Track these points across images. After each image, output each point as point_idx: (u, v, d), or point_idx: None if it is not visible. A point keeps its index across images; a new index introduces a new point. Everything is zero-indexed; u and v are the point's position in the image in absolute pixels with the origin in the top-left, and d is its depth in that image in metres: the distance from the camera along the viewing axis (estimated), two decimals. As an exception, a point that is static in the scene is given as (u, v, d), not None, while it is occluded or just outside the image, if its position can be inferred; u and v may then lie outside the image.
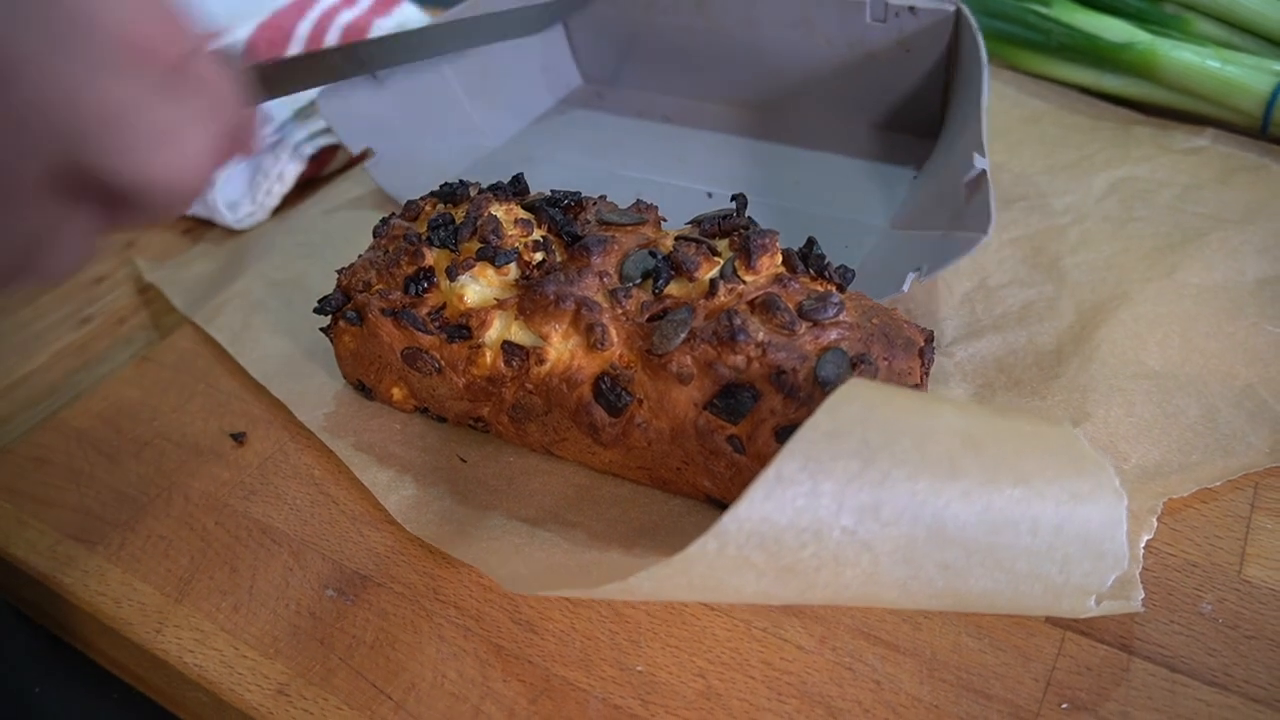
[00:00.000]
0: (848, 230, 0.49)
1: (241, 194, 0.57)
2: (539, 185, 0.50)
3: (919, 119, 0.54)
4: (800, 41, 0.54)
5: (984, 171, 0.40)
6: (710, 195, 0.53)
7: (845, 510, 0.25)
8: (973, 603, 0.28)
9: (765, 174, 0.54)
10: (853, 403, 0.26)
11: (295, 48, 0.68)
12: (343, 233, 0.54)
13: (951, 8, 0.48)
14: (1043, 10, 0.57)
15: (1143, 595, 0.31)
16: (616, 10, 0.60)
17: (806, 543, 0.26)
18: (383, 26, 0.64)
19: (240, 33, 0.68)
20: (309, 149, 0.58)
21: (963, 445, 0.26)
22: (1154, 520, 0.33)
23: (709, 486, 0.35)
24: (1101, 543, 0.27)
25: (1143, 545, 0.33)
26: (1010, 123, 0.56)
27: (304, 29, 0.68)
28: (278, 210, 0.58)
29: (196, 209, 0.57)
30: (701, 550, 0.26)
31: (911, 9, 0.49)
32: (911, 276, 0.40)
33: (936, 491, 0.26)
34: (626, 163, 0.57)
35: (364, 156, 0.61)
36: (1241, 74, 0.50)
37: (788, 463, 0.25)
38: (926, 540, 0.26)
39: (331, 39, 0.68)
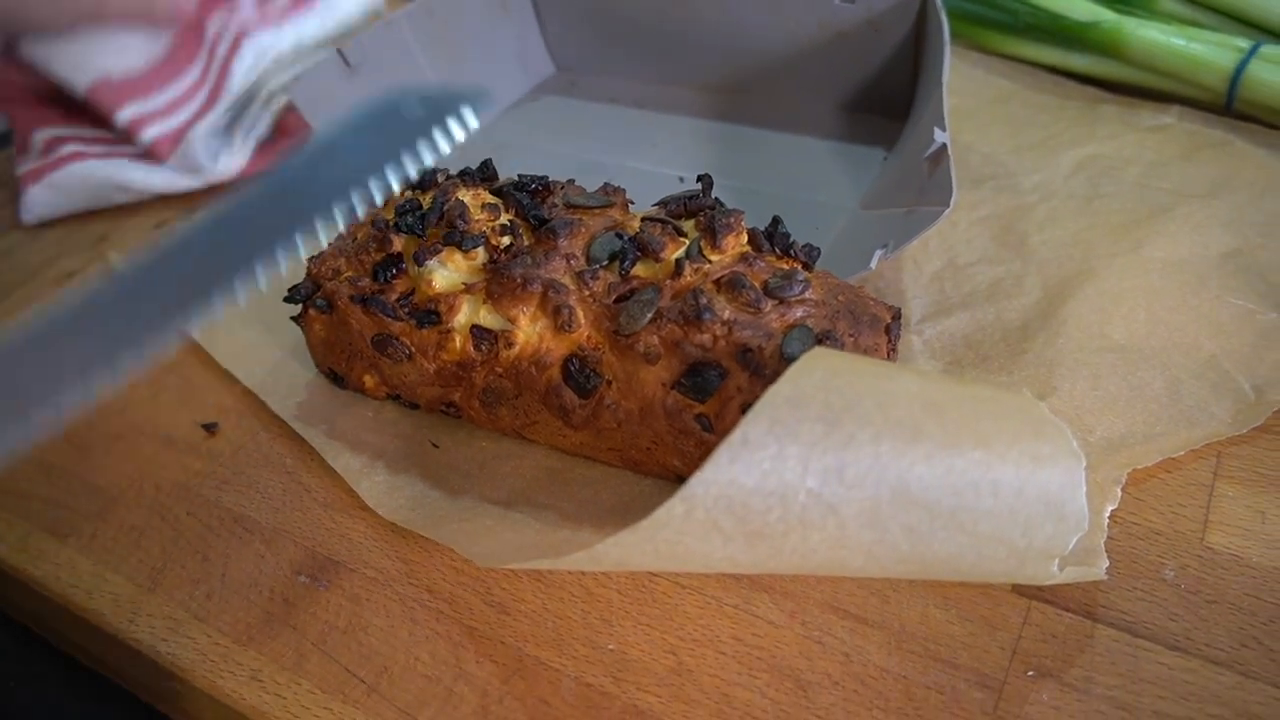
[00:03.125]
0: (819, 212, 0.49)
1: (220, 145, 0.59)
2: (512, 173, 0.50)
3: (889, 100, 0.54)
4: (770, 23, 0.54)
5: (944, 145, 0.40)
6: (681, 179, 0.53)
7: (810, 473, 0.26)
8: (938, 568, 0.28)
9: (737, 157, 0.55)
10: (815, 370, 0.26)
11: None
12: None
13: None
14: (1010, -9, 0.57)
15: (1107, 564, 0.31)
16: None
17: (773, 506, 0.26)
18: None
19: None
20: (283, 98, 0.60)
21: (924, 409, 0.26)
22: (1118, 490, 0.34)
23: (679, 466, 0.35)
24: (1063, 504, 0.27)
25: (1107, 515, 0.33)
26: (979, 103, 0.56)
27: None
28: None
29: (180, 176, 0.58)
30: (668, 514, 0.26)
31: None
32: (879, 254, 0.40)
33: (900, 454, 0.26)
34: (600, 148, 0.57)
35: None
36: (1206, 51, 0.51)
37: (753, 427, 0.25)
38: (891, 502, 0.26)
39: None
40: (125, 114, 0.59)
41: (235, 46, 0.62)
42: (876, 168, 0.51)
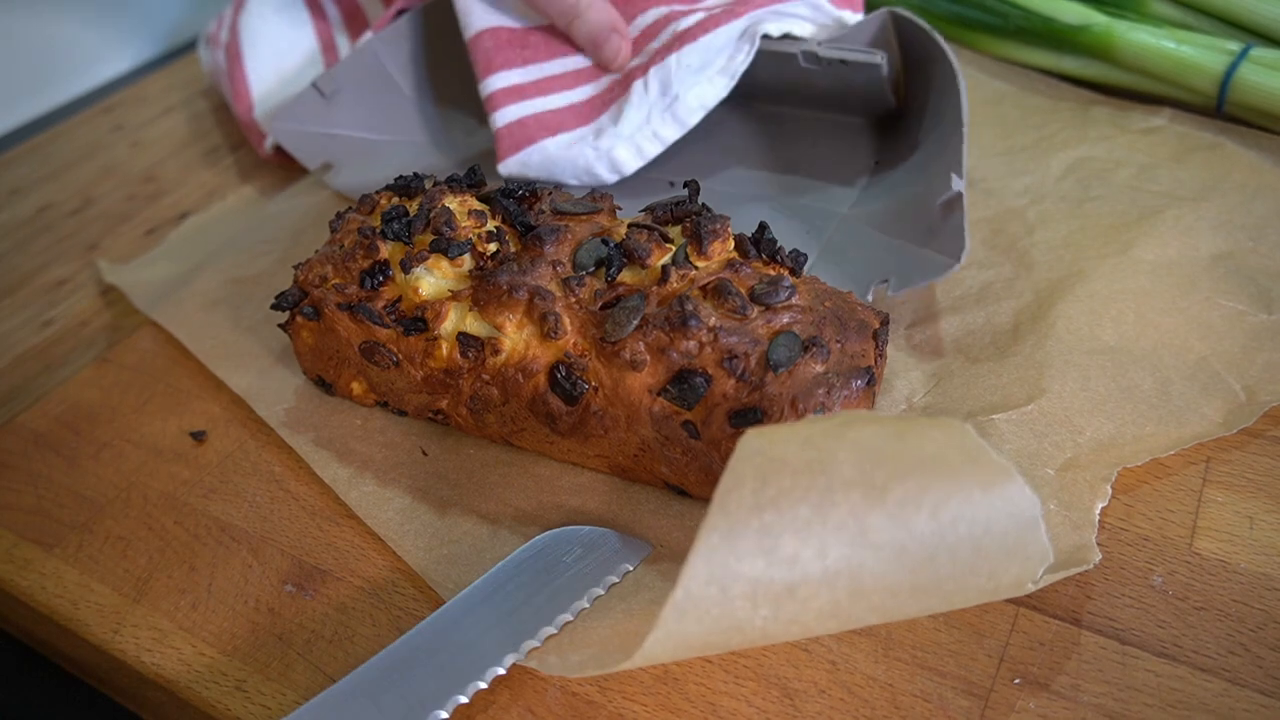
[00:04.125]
0: (808, 215, 0.49)
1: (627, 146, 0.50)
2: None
3: (875, 110, 0.54)
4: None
5: (959, 194, 0.40)
6: (672, 184, 0.53)
7: (761, 603, 0.25)
8: (911, 615, 0.28)
9: (725, 160, 0.54)
10: (742, 487, 0.25)
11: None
12: (305, 230, 0.54)
13: (880, 59, 0.47)
14: (1001, -7, 0.57)
15: (1099, 557, 0.31)
16: None
17: (731, 639, 0.26)
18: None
19: None
20: (692, 111, 0.49)
21: (864, 498, 0.25)
22: (1108, 488, 0.33)
23: (666, 473, 0.35)
24: (1024, 547, 0.26)
25: (1098, 511, 0.33)
26: (971, 105, 0.56)
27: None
28: (236, 208, 0.58)
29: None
30: (630, 664, 0.26)
31: (843, 61, 0.48)
32: (875, 288, 0.41)
33: (848, 556, 0.25)
34: None
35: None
36: (1196, 54, 0.51)
37: (693, 580, 0.25)
38: (849, 599, 0.26)
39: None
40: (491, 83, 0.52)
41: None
42: (864, 173, 0.51)
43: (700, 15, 0.50)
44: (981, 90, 0.57)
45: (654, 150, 0.50)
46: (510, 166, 0.51)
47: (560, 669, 0.30)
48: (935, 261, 0.41)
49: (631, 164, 0.49)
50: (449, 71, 0.60)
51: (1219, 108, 0.51)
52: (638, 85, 0.50)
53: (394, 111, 0.58)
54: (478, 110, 0.62)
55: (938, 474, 0.26)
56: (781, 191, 0.51)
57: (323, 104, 0.56)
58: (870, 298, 0.41)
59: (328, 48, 0.64)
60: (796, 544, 0.25)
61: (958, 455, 0.26)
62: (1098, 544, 0.32)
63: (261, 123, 0.61)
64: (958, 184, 0.41)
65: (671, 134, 0.49)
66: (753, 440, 0.25)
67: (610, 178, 0.50)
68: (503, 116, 0.51)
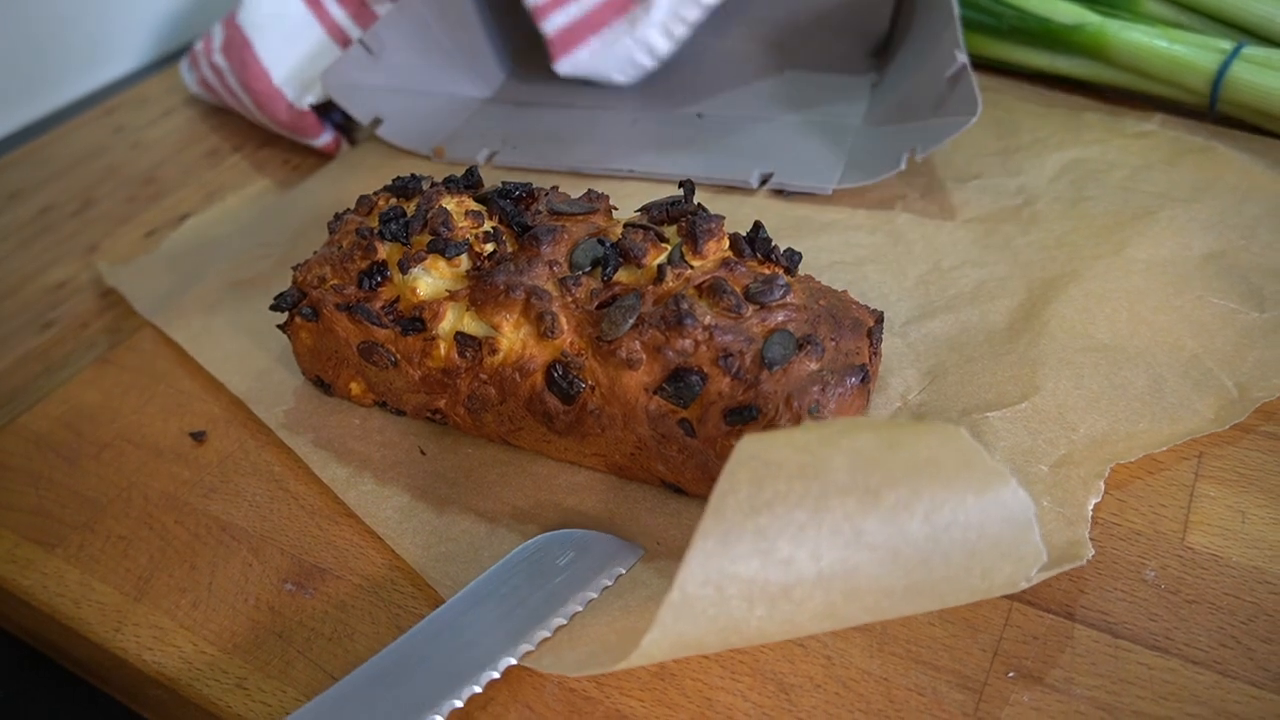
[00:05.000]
0: (825, 131, 0.53)
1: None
2: (497, 173, 0.50)
3: (870, 29, 0.59)
4: None
5: (965, 64, 0.46)
6: (700, 115, 0.57)
7: (757, 604, 0.26)
8: (905, 614, 0.28)
9: (735, 93, 0.59)
10: (738, 491, 0.25)
11: None
12: (303, 231, 0.54)
13: None
14: (995, -6, 0.58)
15: (1093, 552, 0.31)
16: None
17: (728, 638, 0.26)
18: None
19: None
20: (680, 27, 0.57)
21: (859, 502, 0.25)
22: (1101, 484, 0.34)
23: (663, 471, 0.35)
24: (1018, 548, 0.27)
25: (1091, 507, 0.33)
26: (965, 107, 0.56)
27: None
28: (236, 210, 0.58)
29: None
30: (628, 664, 0.27)
31: None
32: (906, 155, 0.46)
33: (843, 559, 0.26)
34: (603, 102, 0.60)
35: (332, 156, 0.62)
36: (1189, 53, 0.51)
37: (689, 581, 0.25)
38: (844, 600, 0.26)
39: None
40: None
41: None
42: (867, 92, 0.56)
43: None
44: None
45: (681, 31, 0.57)
46: (564, 66, 0.58)
47: (558, 668, 0.30)
48: (951, 122, 0.47)
49: (664, 46, 0.57)
50: (483, 24, 0.64)
51: (1212, 106, 0.51)
52: None
53: (437, 63, 0.62)
54: (516, 57, 0.65)
55: (932, 478, 0.26)
56: (789, 108, 0.56)
57: (370, 60, 0.59)
58: (903, 165, 0.47)
59: (332, 30, 0.65)
60: (791, 547, 0.25)
61: (952, 459, 0.26)
62: (1091, 539, 0.32)
63: (283, 88, 0.61)
64: (961, 57, 0.47)
65: (693, 14, 0.56)
66: (749, 445, 0.26)
67: (649, 63, 0.58)
68: (551, 24, 0.57)
